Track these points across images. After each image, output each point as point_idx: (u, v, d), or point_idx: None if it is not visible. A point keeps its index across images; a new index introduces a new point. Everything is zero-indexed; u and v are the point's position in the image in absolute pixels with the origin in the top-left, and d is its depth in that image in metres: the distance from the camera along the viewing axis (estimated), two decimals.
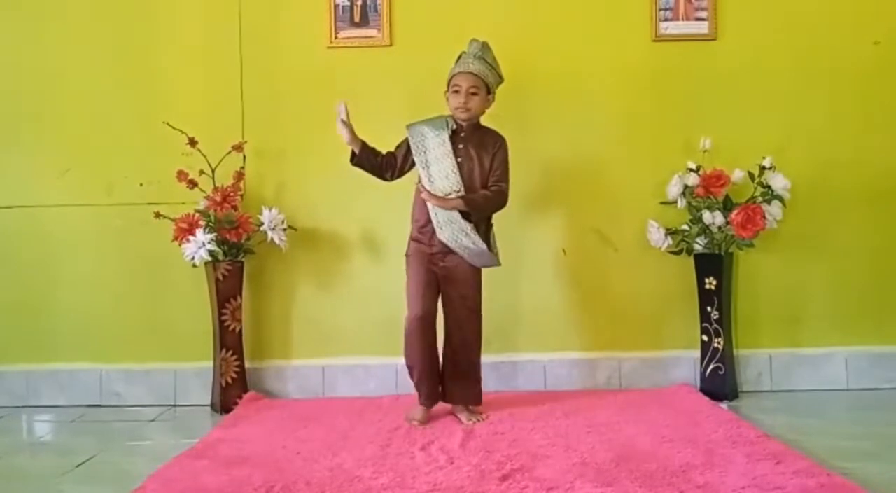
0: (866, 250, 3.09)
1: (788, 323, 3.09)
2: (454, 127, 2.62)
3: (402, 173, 2.71)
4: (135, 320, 3.10)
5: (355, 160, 2.64)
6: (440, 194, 2.55)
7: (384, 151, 2.68)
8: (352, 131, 2.59)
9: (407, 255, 2.68)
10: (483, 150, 2.63)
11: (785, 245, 3.06)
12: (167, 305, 3.10)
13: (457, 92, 2.59)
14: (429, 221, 2.59)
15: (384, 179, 2.70)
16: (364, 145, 2.63)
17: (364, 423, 2.59)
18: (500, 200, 2.63)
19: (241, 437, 2.45)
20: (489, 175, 2.62)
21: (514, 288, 3.09)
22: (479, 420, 2.58)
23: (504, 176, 2.64)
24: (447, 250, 2.59)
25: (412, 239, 2.67)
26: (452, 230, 2.56)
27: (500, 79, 2.67)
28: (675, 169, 2.96)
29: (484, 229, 2.63)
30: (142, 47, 3.12)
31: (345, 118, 2.58)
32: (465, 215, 2.56)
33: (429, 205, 2.57)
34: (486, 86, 2.60)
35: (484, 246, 2.58)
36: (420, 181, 2.61)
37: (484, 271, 2.80)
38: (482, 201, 2.59)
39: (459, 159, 2.59)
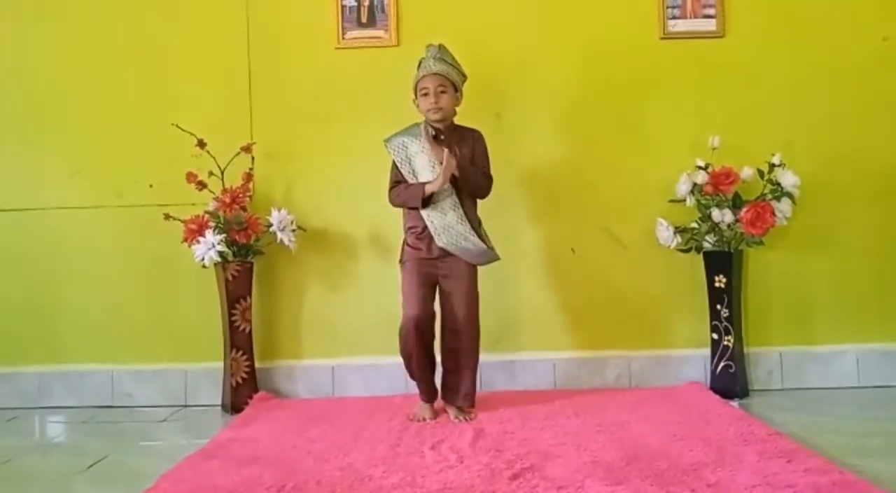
0: (876, 247, 3.07)
1: (799, 321, 3.08)
2: (433, 133, 2.65)
3: None
4: (145, 321, 3.11)
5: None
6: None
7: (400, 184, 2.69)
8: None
9: (402, 261, 2.71)
10: (464, 145, 2.67)
11: (795, 242, 3.05)
12: (177, 306, 3.11)
13: (426, 94, 2.62)
14: (425, 228, 2.62)
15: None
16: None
17: (374, 422, 2.60)
18: (488, 185, 2.69)
19: (252, 437, 2.46)
20: (472, 162, 2.67)
21: (523, 287, 3.09)
22: (467, 418, 2.60)
23: (488, 166, 2.71)
24: (446, 253, 2.62)
25: (408, 246, 2.70)
26: (450, 236, 2.59)
27: (464, 76, 2.70)
28: (683, 167, 2.95)
29: (477, 226, 2.66)
30: (150, 49, 3.13)
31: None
32: (462, 207, 2.60)
33: (423, 213, 2.60)
34: (452, 84, 2.64)
35: (483, 245, 2.62)
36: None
37: (493, 272, 2.81)
38: (473, 174, 2.64)
39: (437, 157, 2.60)
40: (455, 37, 2.81)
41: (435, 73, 2.61)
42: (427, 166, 2.62)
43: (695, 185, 2.92)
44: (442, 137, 2.66)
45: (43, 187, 3.14)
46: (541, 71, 3.10)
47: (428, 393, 2.69)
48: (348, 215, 3.10)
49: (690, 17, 3.09)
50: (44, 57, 3.14)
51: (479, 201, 2.72)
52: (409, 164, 2.64)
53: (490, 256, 2.65)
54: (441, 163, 2.55)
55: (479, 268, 2.69)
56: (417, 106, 2.68)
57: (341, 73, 3.11)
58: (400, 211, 2.75)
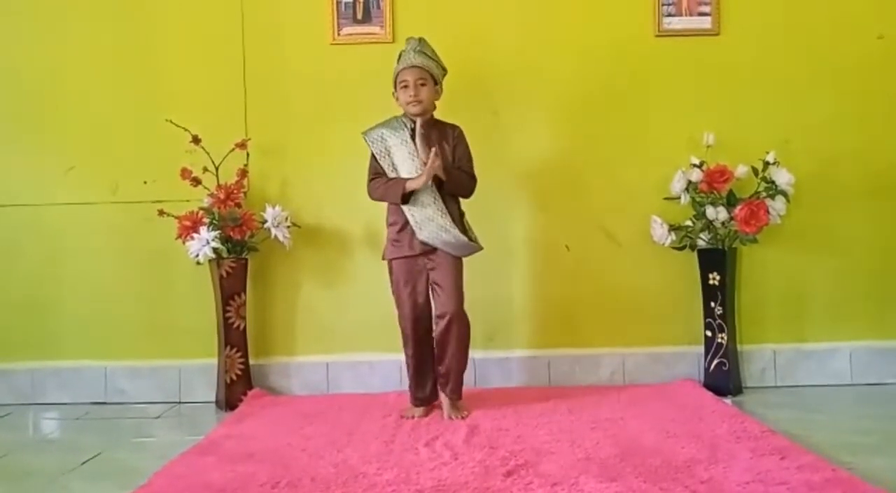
0: (870, 245, 3.08)
1: (792, 318, 3.09)
2: (412, 126, 2.63)
3: None
4: (139, 317, 3.11)
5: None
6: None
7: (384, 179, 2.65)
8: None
9: (387, 259, 2.69)
10: (444, 141, 2.65)
11: (789, 240, 3.06)
12: (171, 302, 3.10)
13: (405, 87, 2.60)
14: (406, 222, 2.60)
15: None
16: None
17: (368, 419, 2.60)
18: (472, 185, 2.68)
19: (246, 434, 2.46)
20: (454, 164, 2.65)
21: (518, 284, 3.10)
22: (460, 416, 2.59)
23: (471, 164, 2.69)
24: (430, 249, 2.61)
25: (391, 242, 2.67)
26: (431, 229, 2.57)
27: (444, 70, 2.69)
28: (678, 164, 2.96)
29: (458, 219, 2.64)
30: (144, 45, 3.12)
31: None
32: (443, 199, 2.58)
33: (404, 208, 2.58)
34: (432, 77, 2.62)
35: (464, 238, 2.59)
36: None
37: (487, 268, 2.82)
38: (458, 177, 2.63)
39: (424, 156, 2.58)
40: (450, 33, 2.81)
41: (415, 66, 2.60)
42: (407, 159, 2.60)
43: (689, 182, 2.93)
44: (422, 131, 2.64)
45: (37, 183, 3.13)
46: (536, 68, 3.10)
47: (420, 398, 2.67)
48: (343, 212, 3.10)
49: (686, 15, 3.09)
50: (39, 54, 3.12)
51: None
52: (389, 156, 2.62)
53: (472, 247, 2.64)
54: (426, 163, 2.52)
55: (473, 266, 2.69)
56: (397, 99, 2.66)
57: (336, 70, 3.10)
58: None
